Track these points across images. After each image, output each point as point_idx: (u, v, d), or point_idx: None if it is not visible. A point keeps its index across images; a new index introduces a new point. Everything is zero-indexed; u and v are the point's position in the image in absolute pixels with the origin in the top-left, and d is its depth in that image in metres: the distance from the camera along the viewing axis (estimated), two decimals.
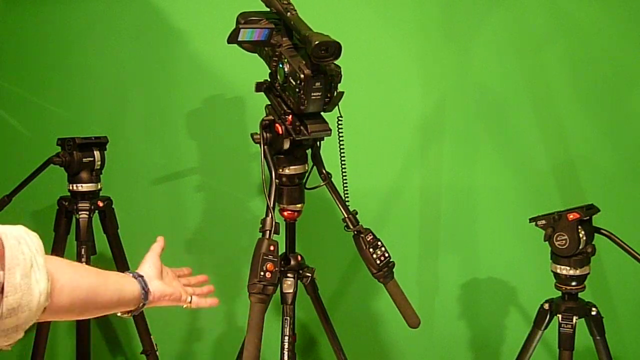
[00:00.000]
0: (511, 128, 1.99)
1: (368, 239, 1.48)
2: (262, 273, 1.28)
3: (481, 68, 1.97)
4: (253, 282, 1.30)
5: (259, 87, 1.44)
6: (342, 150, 1.45)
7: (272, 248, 1.30)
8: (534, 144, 1.97)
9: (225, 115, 2.08)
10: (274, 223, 1.33)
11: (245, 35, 1.33)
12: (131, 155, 2.10)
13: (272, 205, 1.34)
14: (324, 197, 2.03)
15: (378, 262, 1.47)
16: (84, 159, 1.75)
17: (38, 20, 2.08)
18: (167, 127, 2.11)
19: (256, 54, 1.46)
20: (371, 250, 1.47)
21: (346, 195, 1.51)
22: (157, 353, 1.91)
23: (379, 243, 1.49)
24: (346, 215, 1.49)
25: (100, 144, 1.80)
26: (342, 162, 1.47)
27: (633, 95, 1.91)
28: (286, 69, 1.31)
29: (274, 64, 1.36)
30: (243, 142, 2.04)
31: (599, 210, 1.52)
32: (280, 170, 1.45)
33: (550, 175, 1.97)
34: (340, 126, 1.42)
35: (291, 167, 1.45)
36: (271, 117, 1.40)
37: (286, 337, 1.59)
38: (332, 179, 1.51)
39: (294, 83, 1.29)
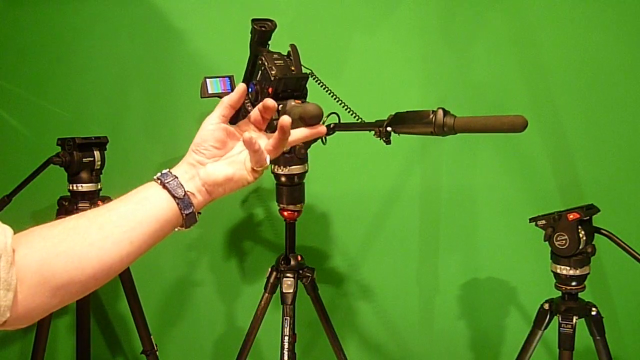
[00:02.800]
0: None
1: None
2: None
3: (481, 68, 1.97)
4: None
5: None
6: (333, 96, 1.41)
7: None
8: (534, 144, 1.96)
9: None
10: None
11: (212, 86, 1.47)
12: (131, 155, 2.10)
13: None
14: (324, 197, 2.04)
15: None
16: (84, 159, 1.75)
17: (38, 20, 2.08)
18: (167, 127, 2.11)
19: None
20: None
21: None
22: (157, 353, 1.91)
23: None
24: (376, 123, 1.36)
25: (100, 144, 1.80)
26: (342, 105, 1.42)
27: (633, 95, 1.91)
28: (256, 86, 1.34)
29: (248, 104, 1.39)
30: None
31: (599, 210, 1.51)
32: (280, 169, 1.45)
33: (550, 175, 1.97)
34: (317, 80, 1.39)
35: (291, 167, 1.45)
36: None
37: (286, 337, 1.59)
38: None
39: (259, 74, 1.30)
